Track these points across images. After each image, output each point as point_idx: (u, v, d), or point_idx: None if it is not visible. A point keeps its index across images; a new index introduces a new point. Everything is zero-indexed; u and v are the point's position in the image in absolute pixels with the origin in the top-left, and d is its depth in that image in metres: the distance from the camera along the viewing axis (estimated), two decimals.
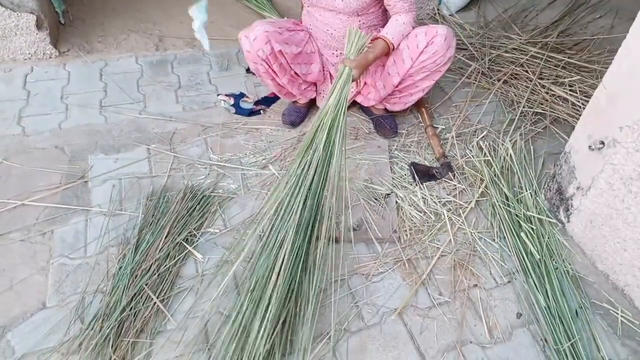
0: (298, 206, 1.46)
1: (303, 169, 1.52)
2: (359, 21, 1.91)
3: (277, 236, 1.44)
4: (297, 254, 1.41)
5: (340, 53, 2.02)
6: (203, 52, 2.63)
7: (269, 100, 2.29)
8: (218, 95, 2.29)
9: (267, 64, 1.88)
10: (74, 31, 2.67)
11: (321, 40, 2.01)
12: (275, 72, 1.93)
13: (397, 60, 1.92)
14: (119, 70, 2.45)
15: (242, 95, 2.29)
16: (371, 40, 1.81)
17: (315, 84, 2.15)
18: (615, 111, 1.46)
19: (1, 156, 1.92)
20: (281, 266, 1.38)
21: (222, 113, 2.23)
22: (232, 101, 2.24)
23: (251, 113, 2.21)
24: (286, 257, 1.39)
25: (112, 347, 1.34)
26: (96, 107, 2.20)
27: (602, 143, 1.51)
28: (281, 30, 1.88)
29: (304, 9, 2.01)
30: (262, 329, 1.29)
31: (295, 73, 1.98)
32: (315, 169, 1.51)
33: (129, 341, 1.36)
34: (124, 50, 2.58)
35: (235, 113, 2.21)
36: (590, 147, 1.55)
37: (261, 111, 2.24)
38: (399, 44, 1.87)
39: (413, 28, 1.89)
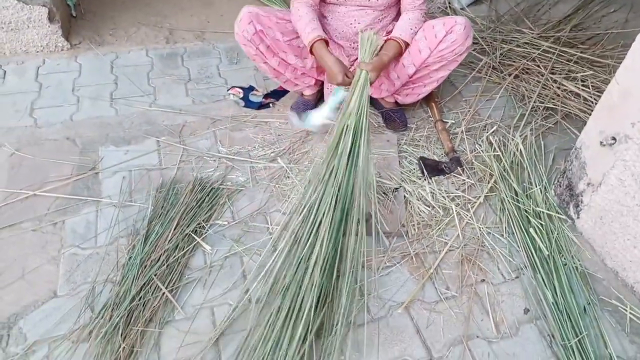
0: (329, 208, 1.48)
1: (331, 173, 1.54)
2: (383, 15, 1.96)
3: (310, 233, 1.47)
4: (331, 252, 1.45)
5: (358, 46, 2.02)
6: (213, 46, 2.64)
7: (278, 94, 2.29)
8: (228, 89, 2.29)
9: (254, 44, 1.91)
10: (85, 24, 2.69)
11: (340, 32, 2.01)
12: (264, 54, 1.95)
13: (412, 51, 1.92)
14: (129, 62, 2.46)
15: (251, 88, 2.30)
16: (384, 41, 1.85)
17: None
18: (628, 107, 1.44)
19: (13, 147, 1.94)
20: (315, 262, 1.41)
21: (232, 106, 2.24)
22: (241, 94, 2.24)
23: (260, 106, 2.22)
24: (321, 254, 1.42)
25: (121, 335, 1.36)
26: (107, 100, 2.22)
27: (614, 139, 1.50)
28: (267, 14, 1.90)
29: (321, 6, 2.00)
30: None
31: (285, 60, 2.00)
32: (343, 174, 1.54)
33: (138, 330, 1.37)
34: (135, 43, 2.60)
35: (244, 106, 2.22)
36: (601, 142, 1.53)
37: (270, 104, 2.25)
38: (410, 41, 1.89)
39: (423, 22, 1.90)
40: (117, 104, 2.20)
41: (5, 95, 2.20)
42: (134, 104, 2.21)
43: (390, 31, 1.94)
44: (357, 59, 1.97)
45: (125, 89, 2.29)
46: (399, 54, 1.90)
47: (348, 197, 1.54)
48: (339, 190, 1.52)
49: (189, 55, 2.56)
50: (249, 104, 2.22)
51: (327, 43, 1.85)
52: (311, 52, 1.86)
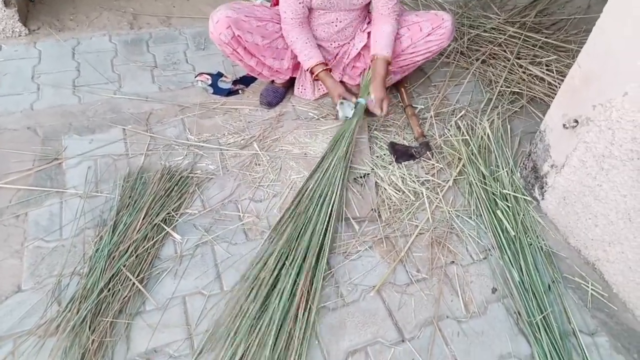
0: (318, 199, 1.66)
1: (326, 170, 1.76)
2: (360, 12, 2.00)
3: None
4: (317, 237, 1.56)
5: (338, 44, 2.06)
6: (180, 31, 2.58)
7: (247, 80, 2.26)
8: (195, 76, 2.25)
9: (231, 47, 1.88)
10: (44, 8, 2.59)
11: (321, 33, 2.01)
12: (240, 55, 1.93)
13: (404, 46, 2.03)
14: (92, 49, 2.38)
15: (220, 74, 2.26)
16: (369, 65, 1.98)
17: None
18: (589, 90, 1.48)
19: None
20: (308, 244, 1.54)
21: (200, 93, 2.19)
22: (209, 81, 2.20)
23: (229, 93, 2.18)
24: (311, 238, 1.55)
25: (90, 328, 1.33)
26: (69, 87, 2.15)
27: (576, 121, 1.54)
28: (247, 19, 1.85)
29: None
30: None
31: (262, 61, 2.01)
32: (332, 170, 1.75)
33: (107, 322, 1.35)
34: (97, 29, 2.51)
35: (213, 93, 2.18)
36: (564, 125, 1.57)
37: (239, 91, 2.21)
38: (391, 53, 1.96)
39: (398, 26, 1.98)
40: (80, 92, 2.13)
41: None
42: (98, 91, 2.14)
43: (364, 29, 2.03)
44: (337, 54, 2.10)
45: (88, 76, 2.22)
46: (388, 66, 1.96)
47: (330, 186, 1.69)
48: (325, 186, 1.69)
49: (154, 41, 2.49)
50: (217, 90, 2.18)
51: (325, 64, 1.96)
52: (311, 72, 1.98)
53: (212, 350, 1.33)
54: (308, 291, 1.44)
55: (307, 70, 1.96)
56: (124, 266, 1.48)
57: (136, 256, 1.52)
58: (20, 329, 1.35)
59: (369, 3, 1.96)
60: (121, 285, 1.44)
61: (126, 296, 1.43)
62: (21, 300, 1.42)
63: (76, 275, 1.48)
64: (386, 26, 1.93)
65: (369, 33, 2.01)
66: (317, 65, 1.94)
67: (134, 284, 1.45)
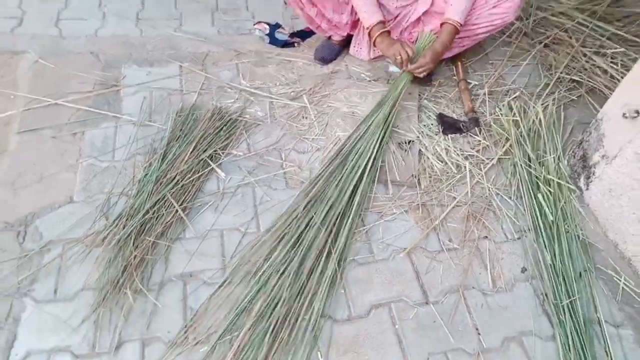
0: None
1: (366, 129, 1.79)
2: None
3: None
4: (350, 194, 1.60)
5: (401, 4, 2.03)
6: None
7: (304, 34, 2.26)
8: (254, 24, 2.26)
9: None
10: None
11: None
12: (302, 3, 1.94)
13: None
14: None
15: (277, 25, 2.27)
16: (440, 25, 1.90)
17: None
18: None
19: (37, 55, 1.95)
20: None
21: (256, 41, 2.22)
22: (267, 30, 2.22)
23: (285, 44, 2.20)
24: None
25: (133, 244, 1.41)
26: (132, 19, 2.20)
27: (637, 112, 1.49)
28: None
29: None
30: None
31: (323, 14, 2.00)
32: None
33: (150, 241, 1.43)
34: None
35: (269, 43, 2.20)
36: (624, 114, 1.53)
37: (295, 44, 2.23)
38: (463, 21, 1.90)
39: None
40: (142, 25, 2.19)
41: (32, 1, 2.18)
42: (159, 27, 2.19)
43: (442, 23, 1.93)
44: (398, 16, 2.05)
45: (151, 10, 2.27)
46: (454, 36, 1.91)
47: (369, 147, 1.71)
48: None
49: None
50: (274, 40, 2.20)
51: (383, 23, 1.93)
52: (369, 33, 1.94)
53: (241, 284, 1.39)
54: (336, 241, 1.48)
55: (367, 28, 1.94)
56: (169, 193, 1.55)
57: (181, 186, 1.59)
58: (69, 236, 1.45)
59: None
60: (165, 210, 1.51)
61: (169, 221, 1.50)
62: (72, 211, 1.51)
63: (124, 196, 1.56)
64: None
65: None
66: (377, 25, 1.91)
67: (176, 211, 1.52)
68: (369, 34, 1.96)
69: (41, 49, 1.98)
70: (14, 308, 1.29)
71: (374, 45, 1.97)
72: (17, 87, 1.85)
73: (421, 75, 1.91)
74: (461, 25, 1.88)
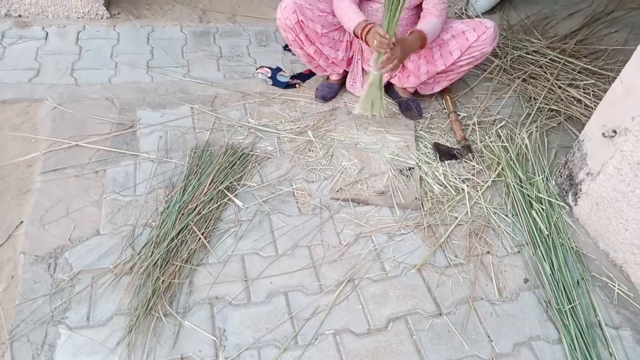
0: None
1: None
2: (412, 13, 2.14)
3: None
4: None
5: None
6: (243, 28, 2.79)
7: (304, 76, 2.44)
8: (257, 68, 2.44)
9: (294, 32, 2.07)
10: None
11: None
12: (302, 42, 2.11)
13: (443, 54, 2.14)
14: (165, 36, 2.60)
15: (279, 69, 2.44)
16: (409, 33, 2.02)
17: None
18: (629, 103, 1.62)
19: (55, 102, 2.07)
20: None
21: (260, 83, 2.38)
22: (269, 74, 2.39)
23: (287, 86, 2.37)
24: None
25: (160, 270, 1.49)
26: (143, 67, 2.36)
27: (615, 132, 1.67)
28: (312, 8, 2.05)
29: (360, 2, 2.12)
30: None
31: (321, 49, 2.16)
32: None
33: (177, 266, 1.51)
34: (169, 19, 2.74)
35: (272, 84, 2.37)
36: (603, 134, 1.70)
37: (296, 85, 2.40)
38: (429, 42, 2.01)
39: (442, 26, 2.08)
40: (152, 72, 2.34)
41: (48, 54, 2.33)
42: (169, 73, 2.34)
43: (412, 31, 2.04)
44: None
45: (160, 59, 2.43)
46: (421, 47, 2.01)
47: None
48: None
49: (220, 34, 2.70)
50: (276, 82, 2.37)
51: (368, 22, 1.94)
52: (355, 34, 1.98)
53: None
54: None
55: (353, 30, 1.96)
56: (192, 222, 1.64)
57: (202, 215, 1.68)
58: (99, 266, 1.52)
59: (421, 4, 2.09)
60: (189, 237, 1.60)
61: (192, 248, 1.59)
62: (100, 242, 1.59)
63: (148, 227, 1.65)
64: (433, 18, 2.02)
65: None
66: (359, 23, 1.93)
67: (199, 238, 1.61)
68: (360, 37, 1.95)
69: (59, 96, 2.10)
70: (49, 335, 1.34)
71: (367, 44, 1.95)
72: (38, 132, 1.95)
73: (392, 67, 1.91)
74: (426, 41, 1.97)
